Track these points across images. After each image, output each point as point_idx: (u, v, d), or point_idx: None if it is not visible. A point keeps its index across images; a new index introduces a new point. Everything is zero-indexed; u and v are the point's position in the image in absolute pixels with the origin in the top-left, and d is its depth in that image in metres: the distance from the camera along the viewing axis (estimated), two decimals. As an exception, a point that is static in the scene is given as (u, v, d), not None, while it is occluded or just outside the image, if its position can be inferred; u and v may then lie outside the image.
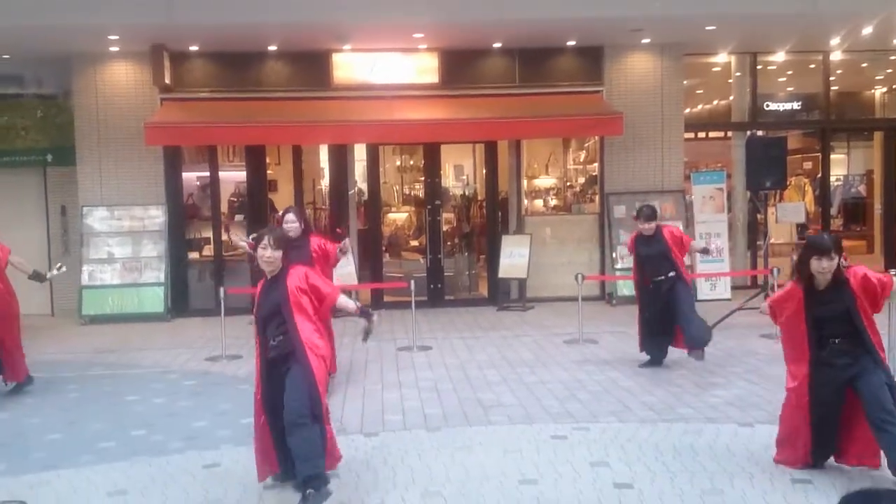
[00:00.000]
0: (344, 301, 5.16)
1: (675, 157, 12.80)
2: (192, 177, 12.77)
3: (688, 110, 13.63)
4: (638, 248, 8.14)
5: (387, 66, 12.22)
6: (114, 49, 11.68)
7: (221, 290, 9.54)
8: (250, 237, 7.02)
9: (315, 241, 7.52)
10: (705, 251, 9.04)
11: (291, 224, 7.40)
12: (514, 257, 12.15)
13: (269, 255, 4.94)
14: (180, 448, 6.05)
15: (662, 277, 7.94)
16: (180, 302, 12.19)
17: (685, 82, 13.03)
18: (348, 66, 12.21)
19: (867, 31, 11.53)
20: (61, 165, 12.34)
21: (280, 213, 8.16)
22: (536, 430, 6.23)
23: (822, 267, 4.87)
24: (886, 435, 4.67)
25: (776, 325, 5.60)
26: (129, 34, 10.90)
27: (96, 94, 12.00)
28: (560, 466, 5.37)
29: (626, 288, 12.22)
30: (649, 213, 8.07)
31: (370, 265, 12.81)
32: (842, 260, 4.95)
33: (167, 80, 11.67)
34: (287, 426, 4.73)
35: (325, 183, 14.49)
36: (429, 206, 12.78)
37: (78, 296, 11.80)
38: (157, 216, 12.07)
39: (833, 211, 16.02)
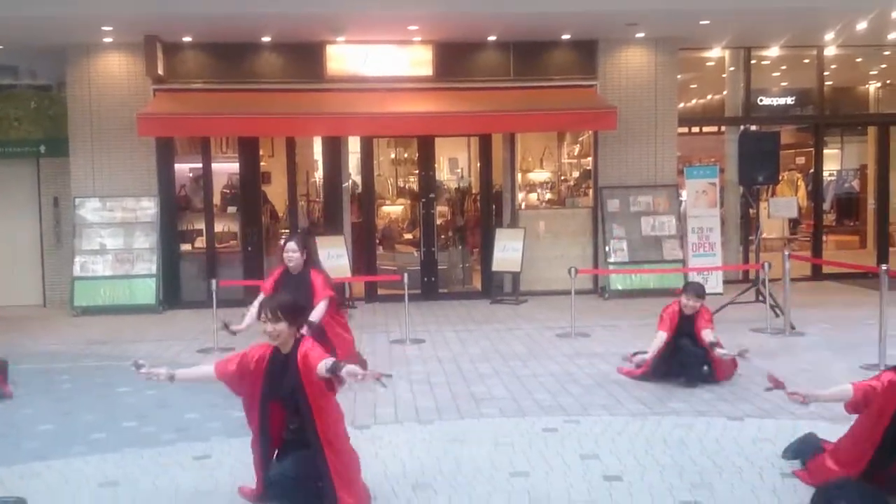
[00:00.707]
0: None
1: (669, 151, 12.82)
2: (184, 168, 12.75)
3: (682, 105, 13.64)
4: (679, 326, 7.25)
5: (381, 59, 12.20)
6: (107, 40, 11.64)
7: (213, 282, 9.52)
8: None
9: (316, 280, 7.03)
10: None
11: (293, 254, 7.09)
12: (507, 251, 12.17)
13: (270, 329, 4.43)
14: (172, 440, 6.06)
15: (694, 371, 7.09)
16: (172, 294, 12.18)
17: (679, 77, 13.04)
18: (342, 58, 12.18)
19: (861, 26, 11.56)
20: (54, 156, 12.30)
21: (282, 241, 7.65)
22: (528, 422, 6.25)
23: None
24: None
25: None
26: (123, 25, 10.86)
27: (90, 85, 11.96)
28: (551, 459, 5.39)
29: (619, 282, 12.28)
30: (700, 291, 7.35)
31: (364, 258, 12.81)
32: None
33: (160, 72, 11.63)
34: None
35: (318, 175, 14.47)
36: (423, 200, 12.78)
37: (70, 287, 11.79)
38: (149, 207, 12.05)
39: (826, 206, 16.08)
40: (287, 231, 12.78)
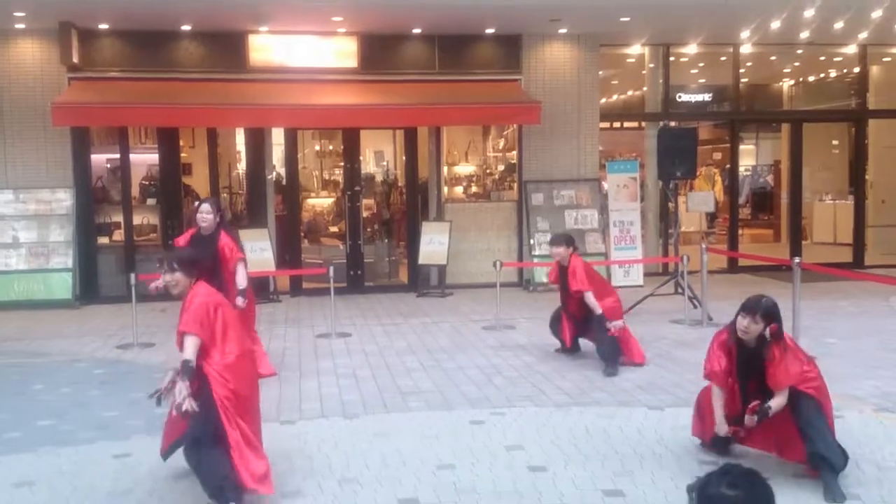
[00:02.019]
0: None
1: (592, 146, 13.06)
2: (101, 159, 12.37)
3: (604, 100, 13.90)
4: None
5: (305, 50, 12.08)
6: (20, 26, 11.21)
7: (132, 276, 9.28)
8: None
9: (224, 240, 7.23)
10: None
11: (206, 215, 7.25)
12: (433, 244, 12.21)
13: (168, 278, 4.82)
14: (90, 438, 5.90)
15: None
16: (89, 288, 11.82)
17: (601, 73, 13.28)
18: (265, 48, 12.01)
19: (776, 24, 11.95)
20: (-39, 146, 11.79)
21: (197, 203, 7.91)
22: (455, 415, 6.29)
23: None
24: None
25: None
26: (36, 10, 10.46)
27: (0, 72, 11.49)
28: (477, 451, 5.45)
29: (543, 275, 12.44)
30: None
31: (289, 251, 12.68)
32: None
33: (75, 59, 11.26)
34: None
35: (241, 167, 14.24)
36: (348, 192, 12.71)
37: (-20, 282, 11.34)
38: (64, 199, 11.67)
39: (741, 200, 16.65)
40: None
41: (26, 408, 6.69)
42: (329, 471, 5.17)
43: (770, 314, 4.83)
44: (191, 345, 4.53)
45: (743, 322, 4.86)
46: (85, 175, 11.91)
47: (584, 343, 8.11)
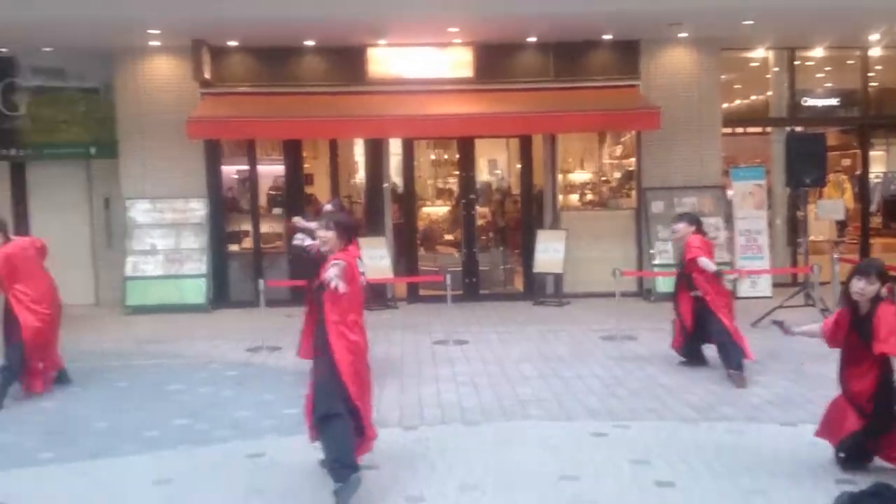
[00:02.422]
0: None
1: (713, 152, 12.71)
2: (231, 170, 12.93)
3: (725, 105, 13.51)
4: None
5: (421, 61, 12.27)
6: (155, 43, 11.84)
7: (261, 282, 9.65)
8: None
9: None
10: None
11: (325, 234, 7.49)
12: (549, 252, 12.14)
13: (322, 234, 5.16)
14: (224, 437, 6.15)
15: None
16: (220, 293, 12.35)
17: (722, 77, 12.92)
18: (383, 60, 12.26)
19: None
20: (104, 158, 12.54)
21: (325, 203, 8.23)
22: (576, 426, 6.24)
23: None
24: None
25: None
26: (170, 29, 11.03)
27: (137, 88, 12.19)
28: (600, 464, 5.39)
29: (665, 284, 12.15)
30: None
31: (405, 259, 12.88)
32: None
33: (207, 75, 11.80)
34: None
35: (360, 176, 14.58)
36: (463, 201, 12.81)
37: (122, 287, 12.01)
38: (198, 209, 12.24)
39: (873, 208, 15.78)
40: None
41: (164, 407, 7.05)
42: (450, 477, 5.22)
43: (884, 274, 4.91)
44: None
45: (858, 284, 4.88)
46: (217, 185, 12.47)
47: (711, 357, 7.91)
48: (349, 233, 5.18)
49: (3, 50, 12.09)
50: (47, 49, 12.10)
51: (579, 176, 14.25)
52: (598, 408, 6.74)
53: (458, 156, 13.39)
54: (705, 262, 7.56)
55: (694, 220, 7.91)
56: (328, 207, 7.63)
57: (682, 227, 7.85)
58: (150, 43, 11.84)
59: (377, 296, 12.26)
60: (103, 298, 12.69)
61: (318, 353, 5.02)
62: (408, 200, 13.10)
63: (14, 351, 7.20)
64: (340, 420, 4.83)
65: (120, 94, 12.24)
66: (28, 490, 5.11)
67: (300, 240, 7.21)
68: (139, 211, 12.20)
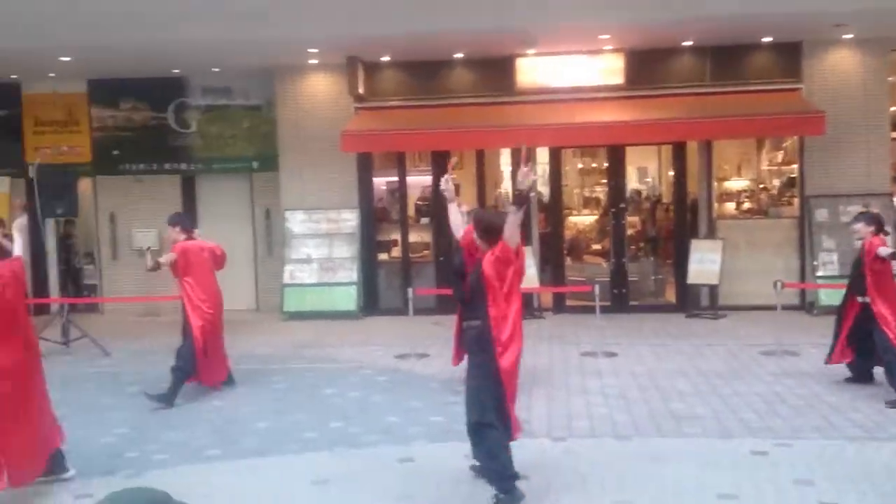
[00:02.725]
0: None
1: (882, 157, 11.91)
2: (381, 181, 13.29)
3: (893, 108, 12.62)
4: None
5: (571, 69, 12.17)
6: (313, 62, 12.36)
7: (410, 290, 9.85)
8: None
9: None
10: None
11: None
12: (704, 262, 11.72)
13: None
14: (375, 441, 6.31)
15: None
16: (370, 301, 12.70)
17: (890, 79, 12.08)
18: (532, 70, 12.25)
19: None
20: (265, 171, 13.21)
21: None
22: (734, 444, 5.99)
23: None
24: None
25: None
26: (328, 47, 11.48)
27: (296, 104, 12.75)
28: (761, 483, 5.14)
29: (829, 297, 11.46)
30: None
31: (551, 268, 12.79)
32: None
33: (361, 90, 12.20)
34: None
35: (505, 186, 14.61)
36: (612, 210, 12.59)
37: (280, 293, 12.59)
38: (349, 219, 12.65)
39: None
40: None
41: (320, 410, 7.31)
42: (602, 491, 5.13)
43: None
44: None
45: None
46: (368, 196, 12.85)
47: (879, 373, 7.38)
48: (492, 234, 5.03)
49: (176, 71, 12.98)
50: (215, 69, 12.89)
51: (736, 183, 13.68)
52: (757, 425, 6.43)
53: (606, 164, 13.18)
54: (887, 252, 7.14)
55: (873, 219, 7.47)
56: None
57: (860, 227, 7.46)
58: (309, 61, 12.36)
59: (523, 305, 12.21)
60: (263, 304, 13.34)
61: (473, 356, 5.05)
62: (554, 210, 13.01)
63: (186, 350, 7.68)
64: (493, 430, 4.86)
65: (280, 110, 12.85)
66: (196, 485, 5.41)
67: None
68: (296, 221, 12.74)
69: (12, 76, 13.05)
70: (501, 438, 4.89)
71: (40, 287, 13.28)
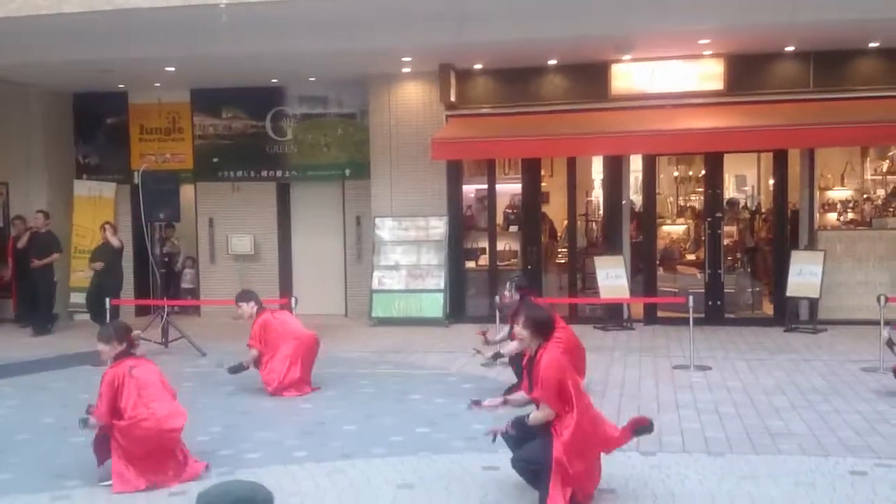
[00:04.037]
0: None
1: None
2: (470, 189, 13.32)
3: None
4: None
5: (667, 75, 11.92)
6: (406, 70, 12.50)
7: (497, 298, 9.81)
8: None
9: None
10: None
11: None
12: (804, 275, 11.28)
13: (518, 331, 5.28)
14: (461, 448, 6.31)
15: None
16: (457, 308, 12.73)
17: None
18: (627, 76, 12.06)
19: None
20: (357, 179, 13.43)
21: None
22: (832, 463, 5.74)
23: None
24: None
25: None
26: (422, 55, 11.59)
27: (389, 112, 12.90)
28: (859, 503, 4.91)
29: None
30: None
31: (643, 279, 12.54)
32: None
33: (452, 98, 12.27)
34: None
35: (595, 194, 14.45)
36: (709, 219, 12.27)
37: (369, 299, 12.76)
38: (437, 227, 12.72)
39: None
40: (565, 249, 12.96)
41: (406, 415, 7.36)
42: (693, 508, 4.98)
43: None
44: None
45: None
46: (457, 204, 12.90)
47: None
48: (545, 331, 5.16)
49: (274, 80, 13.34)
50: (312, 79, 13.19)
51: (838, 193, 13.15)
52: (856, 444, 6.15)
53: (703, 172, 12.85)
54: None
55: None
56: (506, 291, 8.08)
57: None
58: (403, 70, 12.50)
59: (613, 315, 12.05)
60: (352, 310, 13.54)
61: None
62: (647, 218, 12.77)
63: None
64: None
65: (373, 118, 13.03)
66: (285, 484, 5.52)
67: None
68: (385, 228, 12.89)
69: (120, 86, 13.67)
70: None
71: (143, 289, 13.85)
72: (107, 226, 12.07)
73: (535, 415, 4.99)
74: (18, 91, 13.30)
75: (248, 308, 8.30)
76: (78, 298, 13.25)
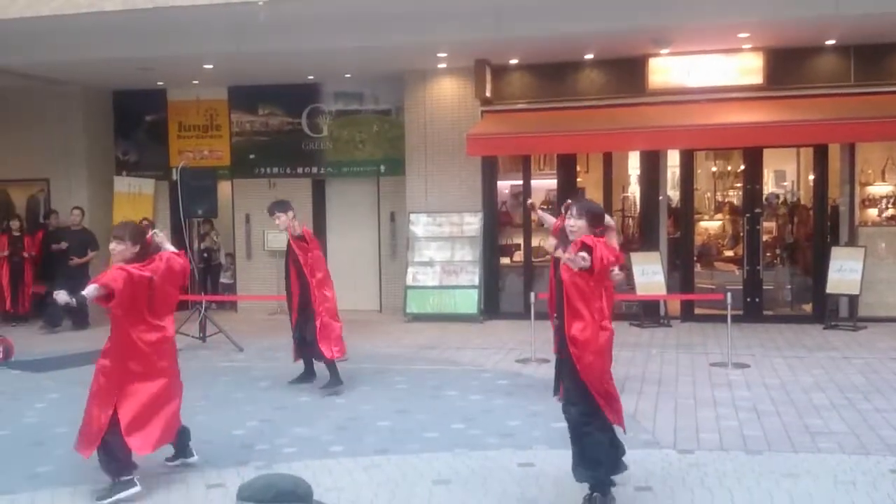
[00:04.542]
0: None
1: None
2: (505, 185, 13.29)
3: None
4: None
5: (706, 69, 11.79)
6: (441, 66, 12.50)
7: (532, 294, 9.79)
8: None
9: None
10: None
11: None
12: (844, 271, 11.10)
13: (571, 223, 5.07)
14: (496, 444, 6.30)
15: None
16: (492, 304, 12.71)
17: None
18: (665, 70, 11.95)
19: None
20: (391, 175, 13.47)
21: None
22: (873, 461, 5.65)
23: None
24: None
25: None
26: (457, 50, 11.57)
27: (424, 108, 12.91)
28: (904, 506, 4.82)
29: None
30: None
31: (680, 275, 12.43)
32: None
33: (488, 94, 12.24)
34: None
35: (631, 190, 14.33)
36: (747, 215, 12.11)
37: (403, 295, 12.80)
38: (472, 223, 12.70)
39: None
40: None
41: (442, 411, 7.36)
42: (731, 506, 4.93)
43: None
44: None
45: None
46: (492, 200, 12.88)
47: None
48: (598, 221, 5.06)
49: (310, 77, 13.42)
50: (347, 75, 13.24)
51: (880, 188, 12.88)
52: (899, 444, 6.04)
53: (742, 167, 12.69)
54: None
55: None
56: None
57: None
58: (438, 66, 12.50)
59: (650, 312, 11.95)
60: (386, 305, 13.60)
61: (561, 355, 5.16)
62: (684, 214, 12.64)
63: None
64: (593, 433, 4.91)
65: (408, 114, 13.05)
66: (321, 480, 5.55)
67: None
68: (420, 224, 12.91)
69: (158, 83, 13.85)
70: (601, 440, 4.93)
71: (181, 284, 14.01)
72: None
73: (580, 254, 4.78)
74: (59, 89, 13.53)
75: (287, 218, 8.06)
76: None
